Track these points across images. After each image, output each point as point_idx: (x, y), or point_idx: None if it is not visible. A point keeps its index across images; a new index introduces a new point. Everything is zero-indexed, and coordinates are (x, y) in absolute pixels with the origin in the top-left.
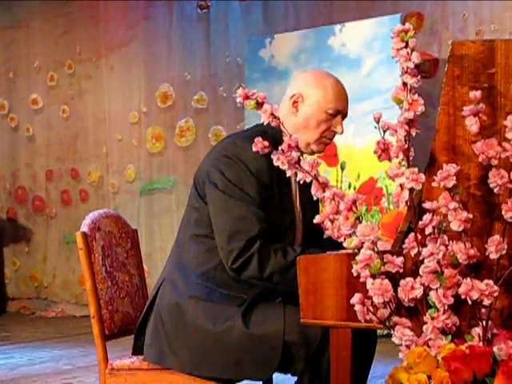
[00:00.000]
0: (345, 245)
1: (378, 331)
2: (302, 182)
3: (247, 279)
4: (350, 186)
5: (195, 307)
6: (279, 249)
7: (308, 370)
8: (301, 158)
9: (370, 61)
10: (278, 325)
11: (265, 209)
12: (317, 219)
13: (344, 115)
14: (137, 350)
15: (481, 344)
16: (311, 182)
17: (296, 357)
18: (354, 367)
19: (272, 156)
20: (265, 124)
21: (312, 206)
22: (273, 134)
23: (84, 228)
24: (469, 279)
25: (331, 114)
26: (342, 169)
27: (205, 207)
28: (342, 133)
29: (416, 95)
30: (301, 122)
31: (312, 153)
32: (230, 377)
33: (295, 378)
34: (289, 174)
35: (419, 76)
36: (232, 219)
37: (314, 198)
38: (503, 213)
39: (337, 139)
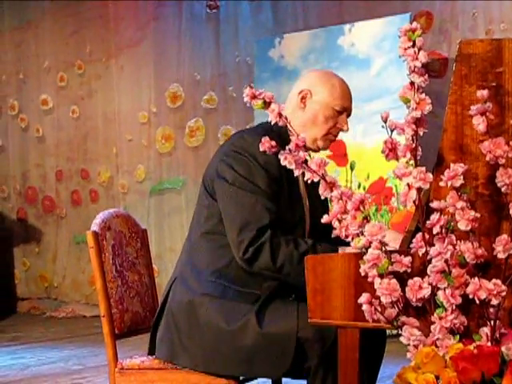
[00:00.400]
0: (352, 244)
1: (388, 331)
2: (309, 181)
3: (259, 270)
4: (359, 186)
5: (209, 305)
6: (291, 240)
7: (322, 366)
8: (307, 156)
9: (379, 60)
10: (291, 322)
11: (275, 201)
12: (325, 219)
13: (348, 114)
14: (153, 350)
15: (489, 344)
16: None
17: (310, 353)
18: (361, 367)
19: (279, 156)
20: (271, 123)
21: (321, 201)
22: (279, 132)
23: (95, 227)
24: (477, 279)
25: (338, 111)
26: (352, 169)
27: (214, 204)
28: (347, 130)
29: (423, 94)
30: (308, 117)
31: (318, 149)
32: (243, 374)
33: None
34: (296, 173)
35: (426, 75)
36: (242, 210)
37: (322, 197)
38: (511, 212)
39: (346, 139)
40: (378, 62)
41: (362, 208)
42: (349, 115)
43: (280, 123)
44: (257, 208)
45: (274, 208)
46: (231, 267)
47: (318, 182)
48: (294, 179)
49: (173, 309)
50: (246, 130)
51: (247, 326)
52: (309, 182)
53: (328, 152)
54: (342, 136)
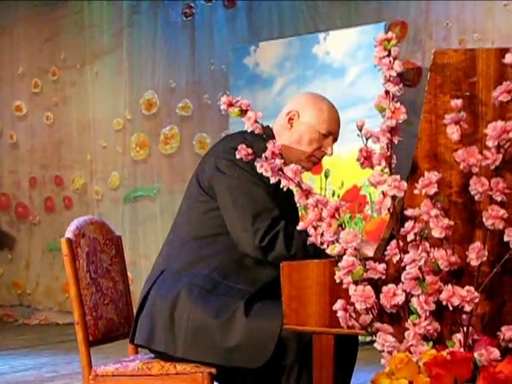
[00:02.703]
0: (328, 251)
1: (362, 338)
2: (285, 189)
3: (273, 260)
4: (333, 194)
5: (197, 295)
6: (303, 230)
7: (297, 363)
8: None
9: (354, 69)
10: (276, 321)
11: (275, 194)
12: (300, 226)
13: (335, 138)
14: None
15: (462, 350)
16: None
17: (288, 350)
18: (336, 373)
19: (255, 163)
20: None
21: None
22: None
23: (69, 234)
24: (450, 286)
25: (323, 134)
26: (326, 177)
27: (211, 200)
28: (331, 154)
29: (398, 103)
30: (294, 138)
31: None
32: (221, 363)
33: None
34: (273, 180)
35: (401, 84)
36: (254, 201)
37: (298, 204)
38: (484, 220)
39: None
40: (352, 71)
41: (337, 215)
42: (335, 140)
43: (256, 131)
44: (267, 199)
45: (277, 202)
46: (225, 262)
47: None
48: None
49: (158, 299)
50: (239, 134)
51: (235, 316)
52: (285, 189)
53: None
54: None
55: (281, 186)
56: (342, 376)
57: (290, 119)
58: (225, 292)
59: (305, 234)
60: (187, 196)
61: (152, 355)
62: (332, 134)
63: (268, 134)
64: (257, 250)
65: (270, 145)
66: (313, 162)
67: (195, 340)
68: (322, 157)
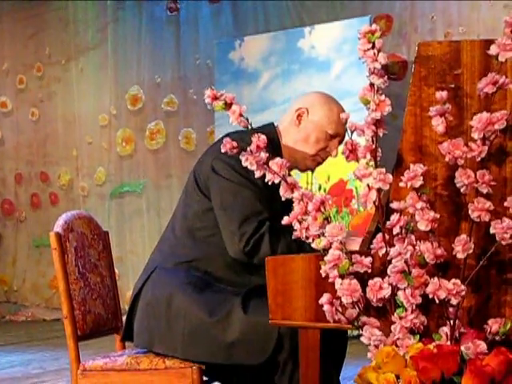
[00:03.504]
0: (313, 245)
1: (349, 332)
2: (270, 182)
3: (259, 262)
4: (320, 188)
5: (192, 294)
6: (287, 232)
7: (291, 359)
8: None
9: (339, 63)
10: None
11: (270, 202)
12: (285, 220)
13: (340, 141)
14: (127, 336)
15: (448, 343)
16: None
17: (283, 346)
18: (322, 368)
19: (240, 156)
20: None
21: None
22: (271, 139)
23: (57, 228)
24: (436, 279)
25: (330, 135)
26: (312, 171)
27: (205, 200)
28: (335, 156)
29: (383, 96)
30: (301, 135)
31: (305, 168)
32: (221, 361)
33: None
34: (257, 174)
35: (386, 77)
36: (243, 205)
37: (283, 198)
38: (470, 212)
39: None
40: (337, 65)
41: (322, 209)
42: (341, 142)
43: (241, 125)
44: (256, 203)
45: (268, 207)
46: (217, 266)
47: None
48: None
49: (152, 298)
50: (238, 132)
51: (232, 312)
52: (269, 183)
53: None
54: None
55: (266, 180)
56: (331, 370)
57: (299, 116)
58: (218, 291)
59: (289, 236)
60: (185, 193)
61: (141, 350)
62: (339, 135)
63: (271, 131)
64: (241, 253)
65: (254, 138)
66: (317, 161)
67: (194, 340)
68: (327, 157)
